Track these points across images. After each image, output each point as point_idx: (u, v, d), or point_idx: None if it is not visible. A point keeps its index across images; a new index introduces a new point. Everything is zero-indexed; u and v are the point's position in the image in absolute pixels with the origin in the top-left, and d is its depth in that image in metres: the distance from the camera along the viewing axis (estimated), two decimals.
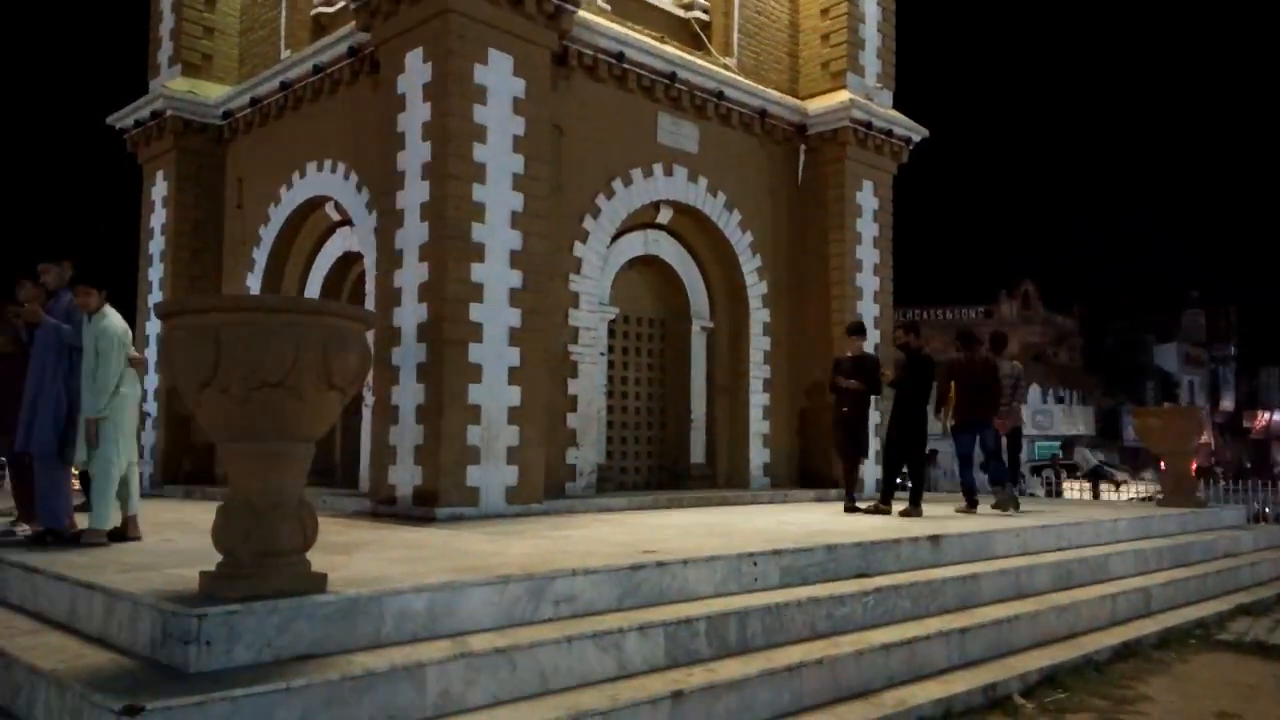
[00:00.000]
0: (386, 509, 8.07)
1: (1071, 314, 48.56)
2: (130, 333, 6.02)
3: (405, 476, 8.03)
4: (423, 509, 7.73)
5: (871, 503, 9.15)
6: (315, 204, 10.81)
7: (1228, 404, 53.16)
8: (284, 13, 11.51)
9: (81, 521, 5.81)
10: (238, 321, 3.64)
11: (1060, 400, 42.23)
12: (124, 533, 5.84)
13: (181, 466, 11.55)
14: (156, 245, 12.03)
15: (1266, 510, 14.37)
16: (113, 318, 5.84)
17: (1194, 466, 13.01)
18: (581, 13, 9.22)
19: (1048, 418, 40.63)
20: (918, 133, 12.72)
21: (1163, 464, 12.35)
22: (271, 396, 3.66)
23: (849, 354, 9.51)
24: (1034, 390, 40.32)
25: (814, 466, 11.85)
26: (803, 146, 12.17)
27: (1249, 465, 40.10)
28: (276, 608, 3.62)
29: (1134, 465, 31.00)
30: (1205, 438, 39.25)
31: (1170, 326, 51.39)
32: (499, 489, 8.09)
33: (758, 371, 11.69)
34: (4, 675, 3.82)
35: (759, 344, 11.73)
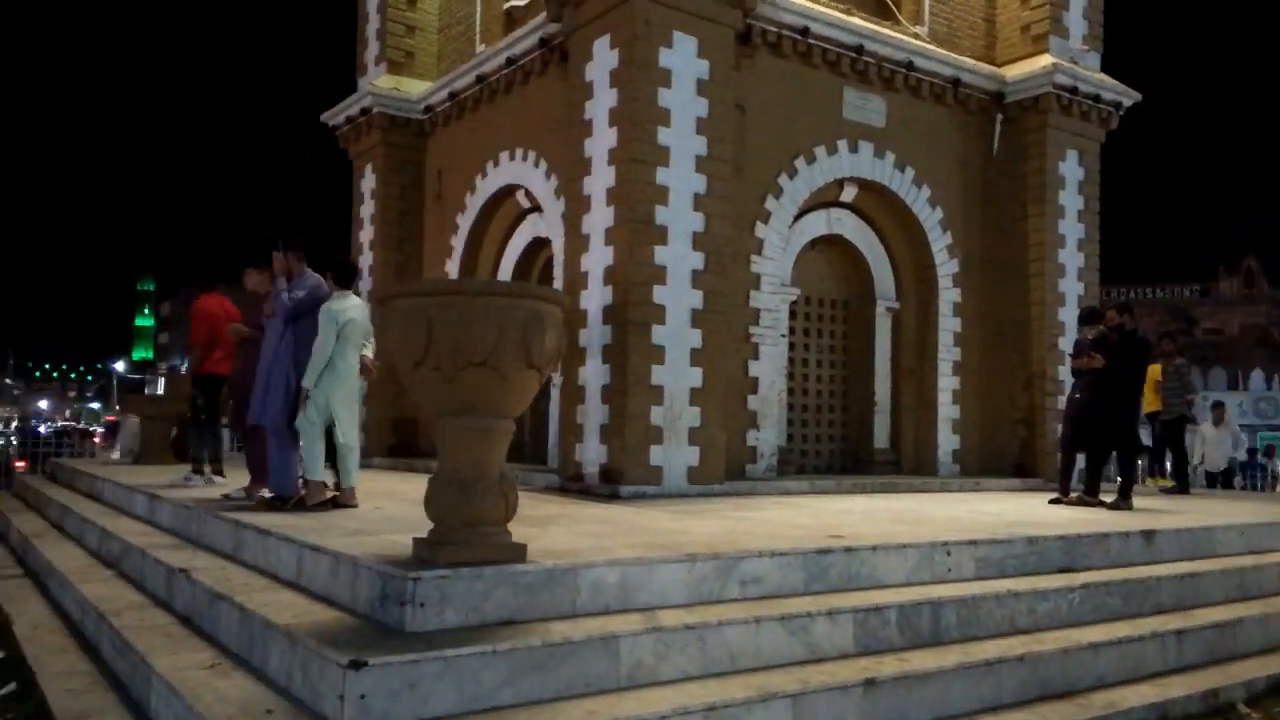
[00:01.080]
0: (574, 485, 8.36)
1: None
2: (356, 322, 6.20)
3: (591, 454, 8.27)
4: (608, 486, 7.95)
5: (1077, 494, 8.60)
6: (507, 192, 11.27)
7: None
8: (479, 8, 12.02)
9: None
10: (447, 304, 3.85)
11: None
12: (343, 501, 6.32)
13: (387, 439, 12.38)
14: (366, 234, 12.92)
15: None
16: (335, 302, 6.20)
17: None
18: None
19: (1272, 405, 36.94)
20: (1129, 97, 11.79)
21: None
22: (477, 375, 3.86)
23: (1089, 336, 8.67)
24: (1257, 375, 36.86)
25: (1010, 454, 11.29)
26: (999, 116, 11.53)
27: None
28: (482, 575, 3.82)
29: None
30: None
31: None
32: (681, 469, 8.20)
33: (946, 354, 11.24)
34: (242, 628, 4.23)
35: (948, 325, 11.26)
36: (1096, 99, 11.49)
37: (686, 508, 7.15)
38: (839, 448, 11.27)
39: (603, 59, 8.49)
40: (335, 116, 13.31)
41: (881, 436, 11.24)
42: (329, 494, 6.30)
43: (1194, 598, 5.91)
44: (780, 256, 10.04)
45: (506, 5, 11.47)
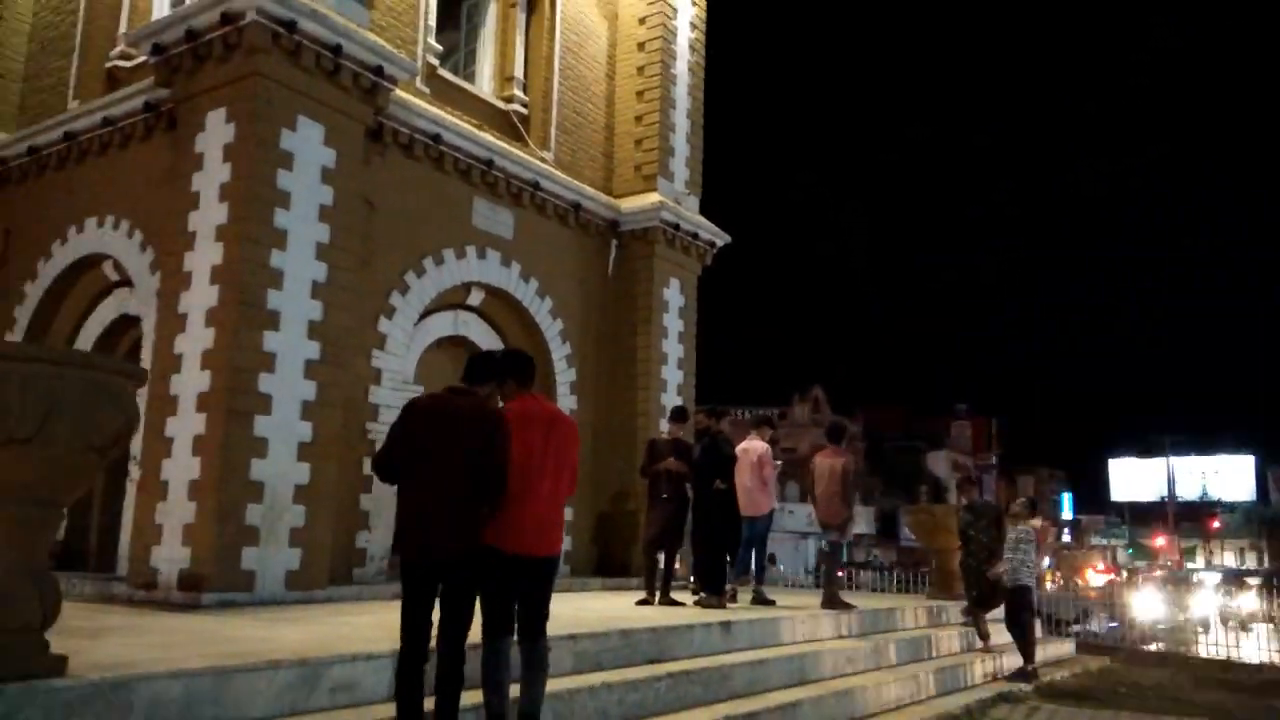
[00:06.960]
0: (146, 595, 7.33)
1: (855, 418, 51.83)
2: None
3: (171, 558, 7.35)
4: (189, 594, 7.08)
5: (694, 593, 8.98)
6: (92, 262, 10.01)
7: None
8: (75, 63, 10.80)
9: None
10: None
11: None
12: None
13: None
14: None
15: None
16: None
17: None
18: (398, 92, 9.22)
19: None
20: (721, 238, 13.43)
21: (933, 560, 13.21)
22: (18, 454, 3.29)
23: (667, 437, 9.35)
24: None
25: (614, 556, 11.84)
26: (615, 241, 12.55)
27: None
28: (3, 693, 3.17)
29: (909, 564, 32.73)
30: None
31: (941, 434, 55.83)
32: (278, 573, 7.55)
33: None
34: None
35: None
36: (695, 236, 12.95)
37: (280, 614, 6.57)
38: None
39: (217, 132, 7.98)
40: None
41: None
42: None
43: (764, 682, 6.53)
44: (404, 353, 9.89)
45: (109, 64, 10.44)
